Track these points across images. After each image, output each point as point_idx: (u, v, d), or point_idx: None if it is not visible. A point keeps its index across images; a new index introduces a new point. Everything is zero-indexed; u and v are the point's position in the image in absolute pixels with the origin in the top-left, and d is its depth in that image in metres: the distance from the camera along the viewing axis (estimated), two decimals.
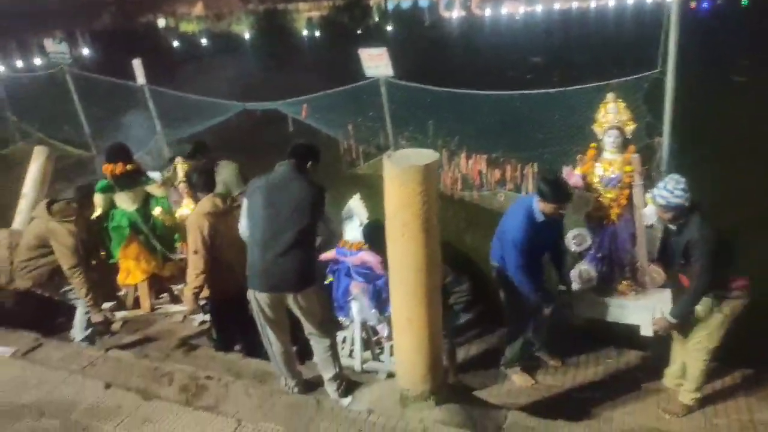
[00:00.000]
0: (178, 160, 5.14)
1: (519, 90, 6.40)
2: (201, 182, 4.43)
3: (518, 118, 6.43)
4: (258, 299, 3.51)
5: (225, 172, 4.96)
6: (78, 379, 3.31)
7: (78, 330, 4.65)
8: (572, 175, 4.46)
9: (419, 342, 3.25)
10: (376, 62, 7.69)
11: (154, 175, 5.23)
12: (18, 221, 5.29)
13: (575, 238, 4.53)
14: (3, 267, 4.64)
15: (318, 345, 3.76)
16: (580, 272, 4.53)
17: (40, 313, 4.71)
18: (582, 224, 4.58)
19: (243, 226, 3.60)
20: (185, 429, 2.76)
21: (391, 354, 4.49)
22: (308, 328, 3.69)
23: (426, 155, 2.91)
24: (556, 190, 3.81)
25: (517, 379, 4.41)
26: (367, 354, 4.51)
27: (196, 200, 4.50)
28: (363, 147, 9.06)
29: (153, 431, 2.78)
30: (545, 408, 3.82)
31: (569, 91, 5.58)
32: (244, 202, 3.59)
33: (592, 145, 4.52)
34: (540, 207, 3.85)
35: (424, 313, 3.16)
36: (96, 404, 3.03)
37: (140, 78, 9.79)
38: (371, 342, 4.53)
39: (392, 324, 3.34)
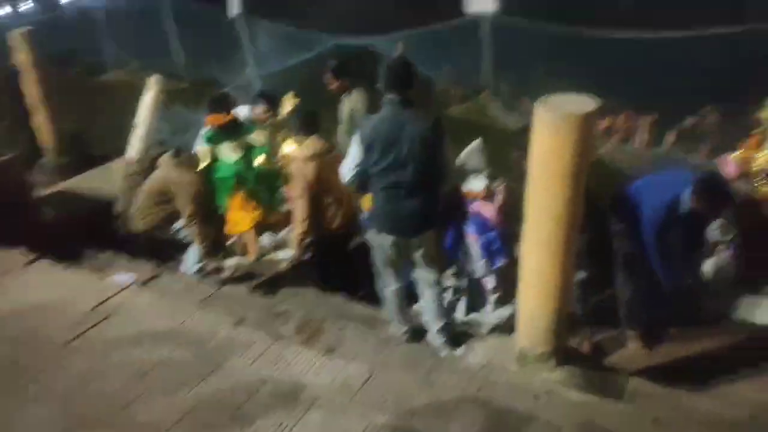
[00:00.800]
0: (289, 95, 5.04)
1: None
2: (301, 124, 4.36)
3: (643, 62, 5.83)
4: (383, 242, 3.50)
5: (354, 100, 4.82)
6: (206, 313, 3.39)
7: (190, 264, 4.79)
8: (727, 163, 4.08)
9: (545, 298, 3.11)
10: None
11: (243, 109, 5.17)
12: (133, 150, 5.36)
13: (720, 227, 4.17)
14: (121, 195, 4.79)
15: (430, 292, 3.71)
16: (718, 266, 4.23)
17: (152, 243, 4.82)
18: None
19: (345, 168, 3.49)
20: (319, 374, 2.76)
21: (494, 308, 4.41)
22: (422, 272, 3.65)
23: (584, 103, 2.67)
24: (712, 191, 3.47)
25: (632, 343, 4.22)
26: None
27: (296, 140, 4.43)
28: (458, 90, 8.70)
29: (286, 372, 2.80)
30: (663, 376, 3.64)
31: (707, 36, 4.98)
32: (354, 144, 3.44)
33: (753, 132, 4.13)
34: (689, 201, 3.52)
35: (556, 268, 3.00)
36: (228, 339, 3.08)
37: (235, 7, 9.62)
38: (476, 294, 4.43)
39: (519, 277, 3.20)
